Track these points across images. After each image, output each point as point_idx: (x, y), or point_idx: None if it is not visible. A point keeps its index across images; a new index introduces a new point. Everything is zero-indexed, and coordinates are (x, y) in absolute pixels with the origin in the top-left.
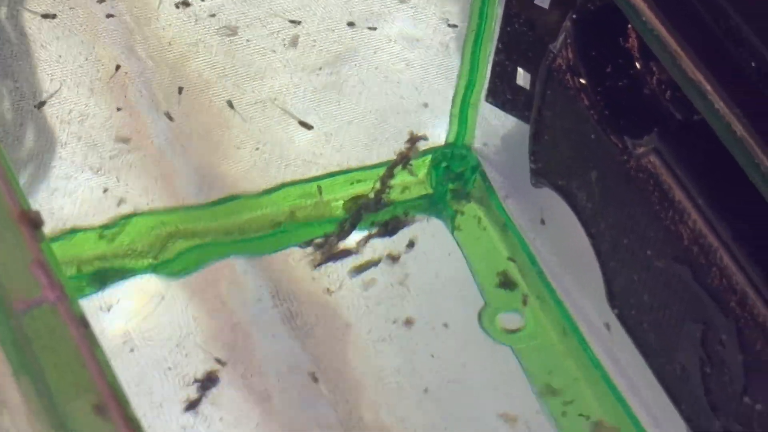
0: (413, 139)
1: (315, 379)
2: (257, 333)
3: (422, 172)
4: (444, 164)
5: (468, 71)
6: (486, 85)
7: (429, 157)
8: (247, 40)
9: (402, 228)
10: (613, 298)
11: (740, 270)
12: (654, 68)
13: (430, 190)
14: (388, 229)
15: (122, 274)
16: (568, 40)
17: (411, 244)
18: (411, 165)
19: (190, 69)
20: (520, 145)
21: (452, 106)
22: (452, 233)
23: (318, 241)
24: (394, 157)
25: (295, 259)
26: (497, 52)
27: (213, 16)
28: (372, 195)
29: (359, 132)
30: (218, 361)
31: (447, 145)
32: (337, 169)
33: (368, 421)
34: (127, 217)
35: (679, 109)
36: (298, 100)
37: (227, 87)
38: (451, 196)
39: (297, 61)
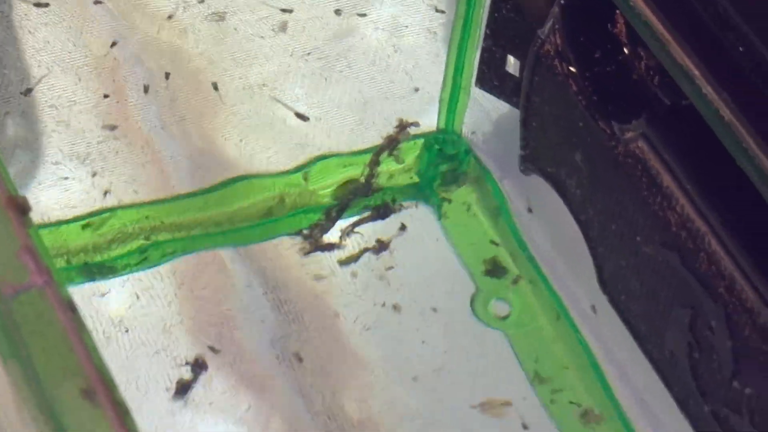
0: (402, 126)
1: (303, 366)
2: (246, 320)
3: (411, 158)
4: (437, 147)
5: (456, 57)
6: (475, 72)
7: (420, 142)
8: (236, 27)
9: (390, 214)
10: (603, 283)
11: (728, 255)
12: (642, 54)
13: (416, 179)
14: (378, 214)
15: (110, 265)
16: (557, 26)
17: (399, 231)
18: (399, 150)
19: (178, 55)
20: (511, 132)
21: (441, 92)
22: (439, 220)
23: (306, 230)
24: (383, 142)
25: (285, 247)
26: (485, 38)
27: (201, 2)
28: (362, 180)
29: (348, 117)
30: (208, 347)
31: (438, 131)
32: (326, 153)
33: (356, 407)
34: (113, 209)
35: (667, 95)
36: (287, 85)
37: (216, 73)
38: (439, 183)
39: (286, 47)
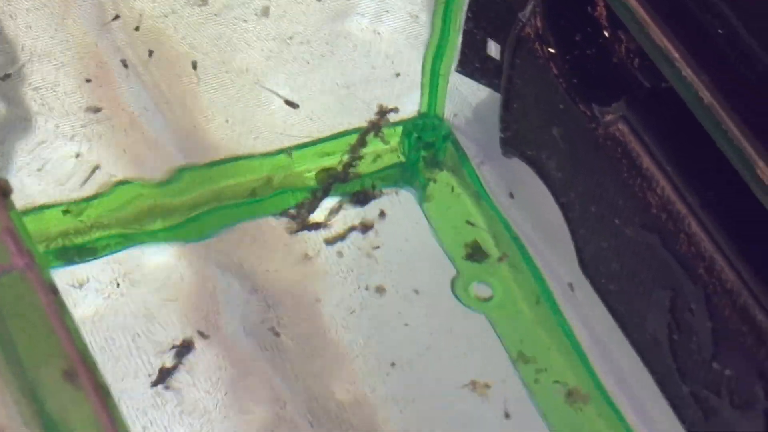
0: (383, 111)
1: (286, 348)
2: (229, 304)
3: (395, 141)
4: (415, 135)
5: (438, 41)
6: (457, 55)
7: (401, 127)
8: (218, 12)
9: (370, 201)
10: (584, 265)
11: (708, 236)
12: (622, 37)
13: (402, 159)
14: (357, 200)
15: (91, 246)
16: (537, 9)
17: (382, 214)
18: (383, 133)
19: (160, 40)
20: (492, 115)
21: (422, 76)
22: (420, 205)
23: (293, 210)
24: (366, 125)
25: (270, 229)
26: (467, 20)
27: None
28: (340, 168)
29: (331, 101)
30: (192, 331)
31: (420, 115)
32: (309, 138)
33: (340, 389)
34: (97, 194)
35: (647, 77)
36: (269, 70)
37: (198, 57)
38: (424, 164)
39: (268, 32)
